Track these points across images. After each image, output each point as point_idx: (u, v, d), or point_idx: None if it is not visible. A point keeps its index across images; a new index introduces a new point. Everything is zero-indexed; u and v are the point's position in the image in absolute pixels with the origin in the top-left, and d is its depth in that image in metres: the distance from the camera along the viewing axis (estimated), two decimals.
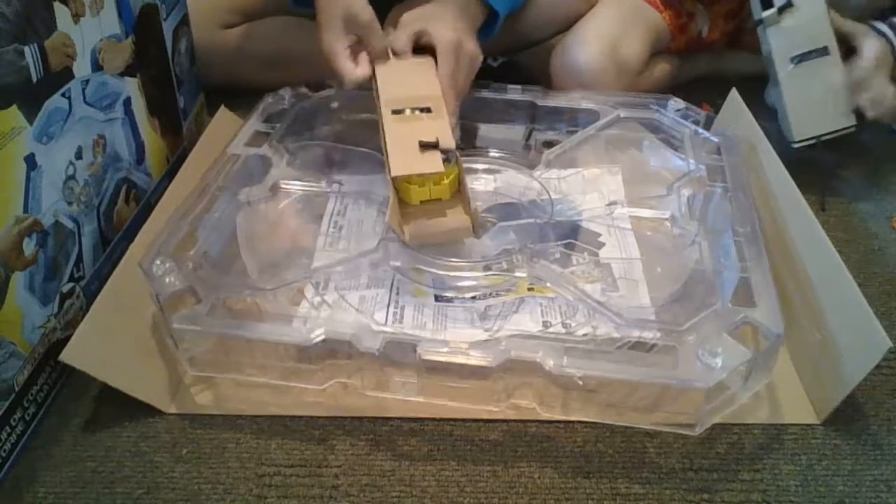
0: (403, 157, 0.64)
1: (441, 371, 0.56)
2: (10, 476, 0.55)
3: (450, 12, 0.75)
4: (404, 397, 0.58)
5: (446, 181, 0.65)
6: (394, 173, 0.63)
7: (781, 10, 0.83)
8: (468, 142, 0.85)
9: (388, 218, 0.66)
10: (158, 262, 0.59)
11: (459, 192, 0.67)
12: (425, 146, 0.64)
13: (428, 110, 0.69)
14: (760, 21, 0.84)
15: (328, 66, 0.73)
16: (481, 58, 0.76)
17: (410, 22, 0.75)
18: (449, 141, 0.65)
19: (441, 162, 0.64)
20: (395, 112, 0.68)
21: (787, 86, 0.85)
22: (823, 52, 0.83)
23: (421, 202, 0.66)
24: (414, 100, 0.69)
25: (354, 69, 0.71)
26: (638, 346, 0.56)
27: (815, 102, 0.85)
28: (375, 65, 0.73)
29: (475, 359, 0.54)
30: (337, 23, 0.71)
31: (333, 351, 0.57)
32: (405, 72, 0.73)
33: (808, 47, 0.83)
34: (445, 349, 0.54)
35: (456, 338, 0.57)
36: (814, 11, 0.83)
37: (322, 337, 0.55)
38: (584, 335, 0.60)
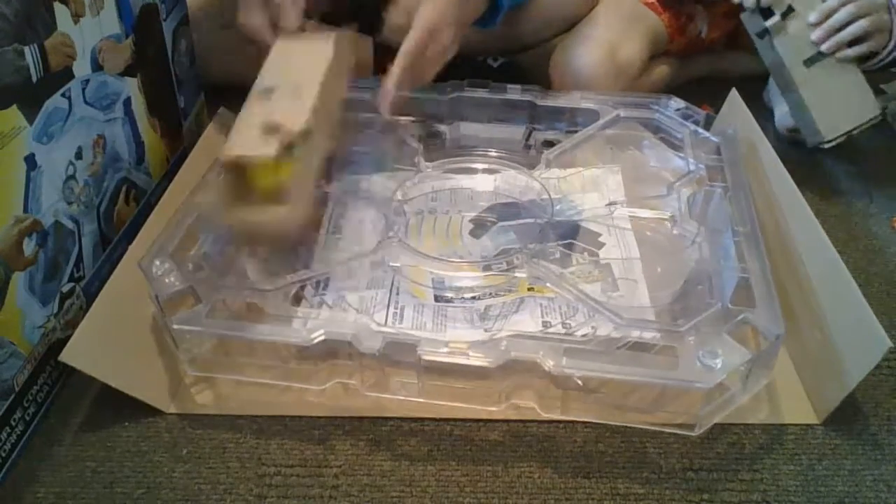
0: (241, 138, 0.58)
1: (441, 371, 0.56)
2: (10, 476, 0.55)
3: None
4: (405, 397, 0.58)
5: (283, 173, 0.57)
6: (224, 153, 0.57)
7: (784, 15, 0.83)
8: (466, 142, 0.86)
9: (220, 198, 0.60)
10: (158, 263, 0.59)
11: (295, 184, 0.59)
12: (268, 129, 0.58)
13: (297, 93, 0.62)
14: (765, 31, 0.84)
15: (254, 42, 0.70)
16: (455, 51, 0.72)
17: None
18: (294, 125, 0.58)
19: (274, 148, 0.56)
20: (263, 92, 0.62)
21: (807, 88, 0.85)
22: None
23: (257, 187, 0.58)
24: (288, 82, 0.63)
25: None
26: (638, 346, 0.56)
27: (838, 99, 0.85)
28: (278, 39, 0.68)
29: (475, 359, 0.54)
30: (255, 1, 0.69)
31: (334, 351, 0.57)
32: (300, 50, 0.67)
33: (818, 47, 0.84)
34: (445, 349, 0.54)
35: (456, 338, 0.57)
36: (813, 10, 0.83)
37: (322, 337, 0.55)
38: (584, 335, 0.60)
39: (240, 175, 0.57)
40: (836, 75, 0.84)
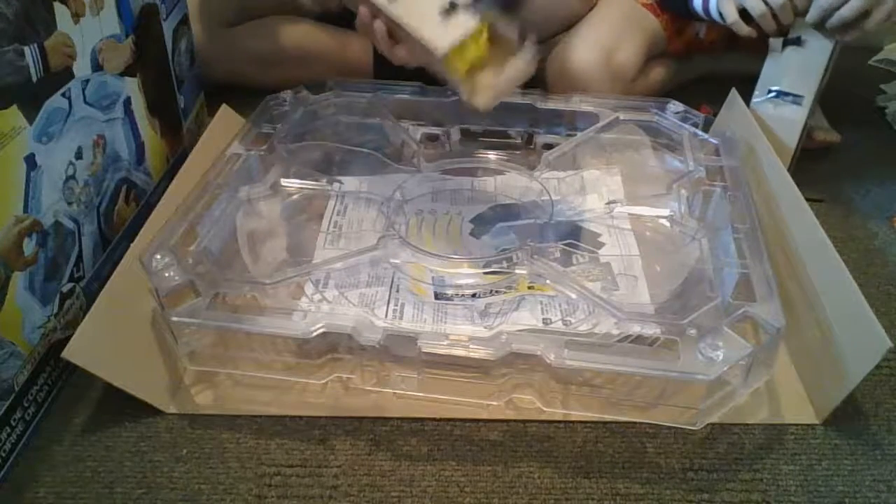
0: (436, 32, 0.58)
1: (441, 366, 0.56)
2: (10, 476, 0.55)
3: None
4: (404, 391, 0.58)
5: (481, 39, 0.60)
6: (442, 49, 0.58)
7: (787, 43, 0.81)
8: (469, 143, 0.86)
9: (462, 94, 0.62)
10: (158, 257, 0.59)
11: (495, 41, 0.61)
12: (445, 11, 0.58)
13: None
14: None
15: None
16: None
17: None
18: None
19: (472, 20, 0.58)
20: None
21: (754, 111, 0.84)
22: (797, 100, 0.82)
23: (468, 69, 0.61)
24: None
25: None
26: (639, 341, 0.56)
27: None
28: None
29: (476, 352, 0.54)
30: None
31: (333, 345, 0.57)
32: None
33: (788, 88, 0.82)
34: (446, 342, 0.54)
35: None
36: (813, 61, 0.80)
37: (322, 329, 0.55)
38: (585, 331, 0.60)
39: (461, 57, 0.60)
40: (781, 121, 0.83)
